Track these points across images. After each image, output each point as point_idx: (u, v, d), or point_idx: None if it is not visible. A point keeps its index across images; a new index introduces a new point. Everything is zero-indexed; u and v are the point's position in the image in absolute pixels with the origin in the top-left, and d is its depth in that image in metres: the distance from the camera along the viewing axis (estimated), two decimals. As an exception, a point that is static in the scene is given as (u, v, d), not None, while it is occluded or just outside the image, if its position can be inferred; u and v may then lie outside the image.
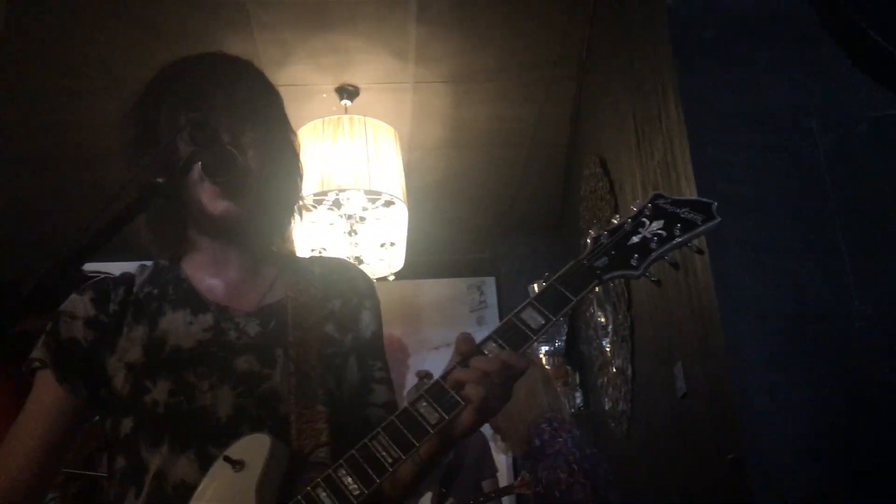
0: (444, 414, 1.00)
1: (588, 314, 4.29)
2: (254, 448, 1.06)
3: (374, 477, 0.99)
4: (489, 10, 3.45)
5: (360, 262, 3.81)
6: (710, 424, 2.23)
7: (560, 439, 2.64)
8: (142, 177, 1.03)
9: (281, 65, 3.63)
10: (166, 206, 1.16)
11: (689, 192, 2.20)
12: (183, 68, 1.26)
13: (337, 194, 3.70)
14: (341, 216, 3.74)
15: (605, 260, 1.13)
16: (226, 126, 1.16)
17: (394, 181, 3.77)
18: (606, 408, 3.87)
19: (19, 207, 4.61)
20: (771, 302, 2.03)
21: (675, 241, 1.14)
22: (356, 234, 3.75)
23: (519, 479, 3.49)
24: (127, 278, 1.27)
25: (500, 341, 1.06)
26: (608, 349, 3.80)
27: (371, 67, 3.78)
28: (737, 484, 2.00)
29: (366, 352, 1.27)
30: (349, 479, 1.00)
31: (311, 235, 3.83)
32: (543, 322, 1.08)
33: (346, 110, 3.89)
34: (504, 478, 4.43)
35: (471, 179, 4.71)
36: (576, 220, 4.23)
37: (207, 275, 1.25)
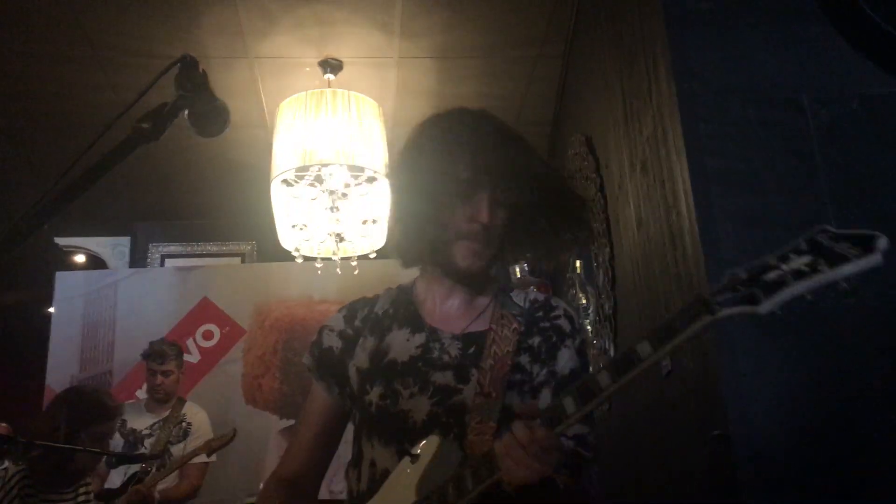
0: (475, 485, 1.18)
1: (569, 295, 4.27)
2: (427, 446, 1.27)
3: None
4: (476, -15, 3.41)
5: (342, 238, 3.76)
6: (695, 402, 2.21)
7: None
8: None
9: (264, 35, 3.56)
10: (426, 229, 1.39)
11: (680, 167, 2.18)
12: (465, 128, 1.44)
13: (319, 169, 3.64)
14: (323, 192, 3.68)
15: (728, 294, 1.04)
16: (491, 192, 1.35)
17: (377, 157, 3.72)
18: (587, 389, 3.85)
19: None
20: (760, 278, 2.01)
21: (815, 277, 1.00)
22: (338, 210, 3.70)
23: None
24: (372, 299, 1.53)
25: (612, 370, 1.10)
26: (590, 330, 3.79)
27: (355, 41, 3.72)
28: (721, 461, 1.99)
29: (562, 387, 1.36)
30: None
31: (292, 211, 3.78)
32: (651, 351, 1.08)
33: (329, 84, 3.83)
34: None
35: (454, 158, 4.66)
36: (559, 200, 4.20)
37: (431, 300, 1.48)
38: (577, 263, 4.01)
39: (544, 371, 1.39)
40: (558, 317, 1.47)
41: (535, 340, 1.42)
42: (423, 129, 1.49)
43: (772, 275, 1.02)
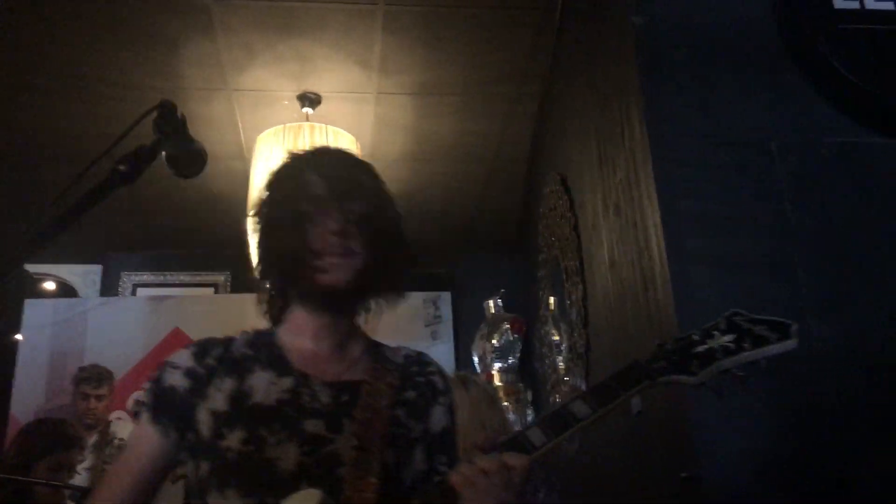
0: None
1: (542, 332, 4.29)
2: (304, 501, 1.17)
3: None
4: (455, 25, 3.46)
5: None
6: (665, 442, 2.23)
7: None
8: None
9: (243, 69, 3.58)
10: (282, 282, 1.38)
11: (651, 210, 2.21)
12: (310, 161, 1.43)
13: (295, 202, 3.64)
14: (299, 224, 3.68)
15: (663, 363, 1.19)
16: (340, 205, 1.32)
17: (353, 191, 3.72)
18: (559, 426, 3.85)
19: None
20: (729, 320, 2.04)
21: (741, 355, 1.18)
22: (313, 243, 3.69)
23: None
24: (227, 340, 1.42)
25: (546, 427, 1.18)
26: (562, 367, 3.80)
27: (334, 76, 3.75)
28: (691, 502, 2.00)
29: (433, 445, 1.37)
30: None
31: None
32: (590, 412, 1.17)
33: (307, 118, 3.85)
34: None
35: (431, 193, 4.70)
36: (535, 237, 4.24)
37: (299, 343, 1.38)
38: (551, 300, 4.03)
39: (420, 426, 1.37)
40: (433, 373, 1.45)
41: (411, 395, 1.39)
42: (275, 169, 1.47)
43: (701, 349, 1.18)
